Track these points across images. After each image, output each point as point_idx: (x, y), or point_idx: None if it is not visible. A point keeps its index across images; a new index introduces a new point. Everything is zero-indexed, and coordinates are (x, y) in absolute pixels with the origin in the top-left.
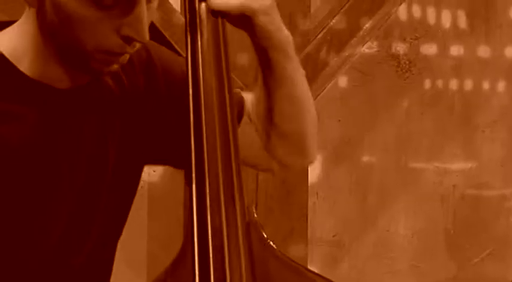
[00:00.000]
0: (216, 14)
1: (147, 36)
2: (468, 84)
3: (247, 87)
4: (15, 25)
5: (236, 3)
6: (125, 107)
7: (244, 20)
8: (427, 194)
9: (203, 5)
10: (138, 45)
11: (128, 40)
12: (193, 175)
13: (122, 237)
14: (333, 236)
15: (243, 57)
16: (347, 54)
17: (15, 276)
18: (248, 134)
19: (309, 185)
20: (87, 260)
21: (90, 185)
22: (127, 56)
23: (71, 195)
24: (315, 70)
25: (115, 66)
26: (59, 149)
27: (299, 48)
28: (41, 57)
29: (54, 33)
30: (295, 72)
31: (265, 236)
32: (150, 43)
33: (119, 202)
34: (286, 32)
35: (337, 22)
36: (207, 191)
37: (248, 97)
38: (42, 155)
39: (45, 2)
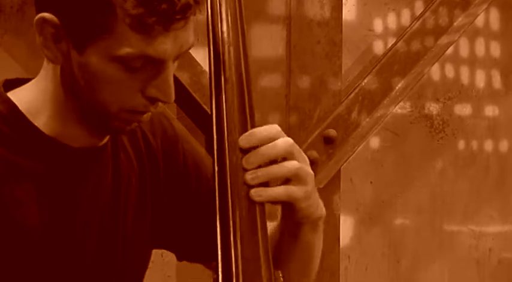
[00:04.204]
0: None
1: (173, 97)
2: (504, 145)
3: None
4: (33, 81)
5: (281, 193)
6: (140, 171)
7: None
8: (462, 258)
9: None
10: (160, 103)
11: (153, 100)
12: (219, 241)
13: None
14: None
15: (275, 117)
16: (379, 114)
17: None
18: None
19: (340, 248)
20: None
21: (102, 245)
22: (149, 115)
23: (82, 254)
24: (346, 131)
25: (135, 124)
26: (71, 208)
27: (330, 109)
28: (59, 115)
29: (77, 93)
30: (318, 242)
31: None
32: (171, 117)
33: (132, 264)
34: (321, 207)
35: (369, 82)
36: (233, 256)
37: None
38: (53, 213)
39: (72, 62)
